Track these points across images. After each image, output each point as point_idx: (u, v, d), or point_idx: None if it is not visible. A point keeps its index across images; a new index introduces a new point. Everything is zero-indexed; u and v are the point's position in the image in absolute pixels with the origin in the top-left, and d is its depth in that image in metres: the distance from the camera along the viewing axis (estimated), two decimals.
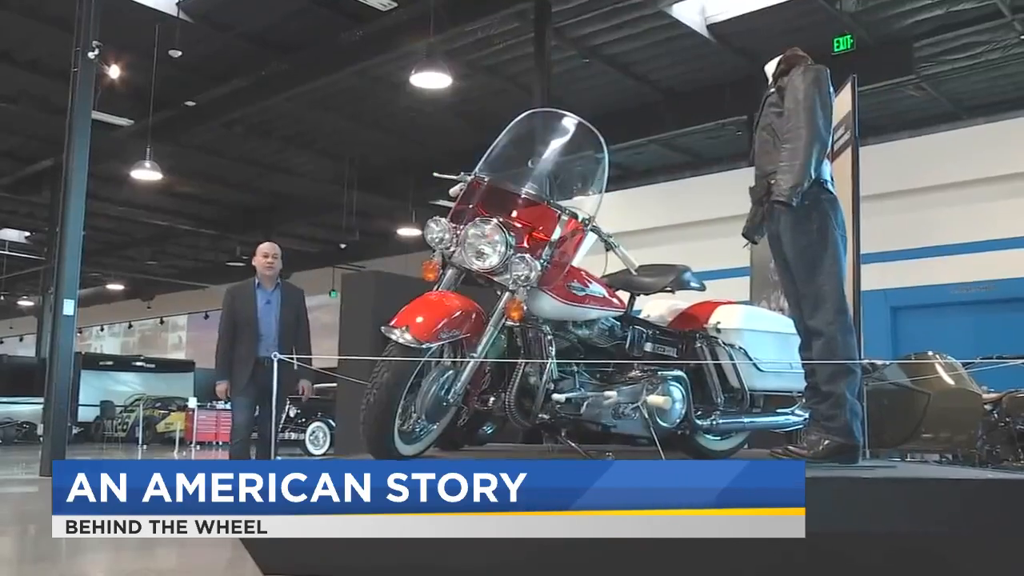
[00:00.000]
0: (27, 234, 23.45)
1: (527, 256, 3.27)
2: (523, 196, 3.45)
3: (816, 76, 3.53)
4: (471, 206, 3.45)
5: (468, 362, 3.28)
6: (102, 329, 32.82)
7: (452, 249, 3.40)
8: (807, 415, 3.93)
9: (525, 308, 3.28)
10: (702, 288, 4.01)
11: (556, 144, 3.58)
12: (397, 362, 3.08)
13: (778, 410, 4.17)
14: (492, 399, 3.47)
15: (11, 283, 27.22)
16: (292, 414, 14.04)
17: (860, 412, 3.60)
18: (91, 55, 6.71)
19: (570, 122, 3.60)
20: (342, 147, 17.04)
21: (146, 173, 13.72)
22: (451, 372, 3.32)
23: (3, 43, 12.54)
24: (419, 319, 3.13)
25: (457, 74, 11.80)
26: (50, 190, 17.33)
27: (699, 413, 3.88)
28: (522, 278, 3.26)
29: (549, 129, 3.63)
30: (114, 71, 10.24)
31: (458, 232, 3.38)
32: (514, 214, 3.45)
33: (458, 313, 3.22)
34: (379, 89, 14.28)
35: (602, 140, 3.49)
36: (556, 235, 3.34)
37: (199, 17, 12.02)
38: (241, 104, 14.52)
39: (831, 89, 3.58)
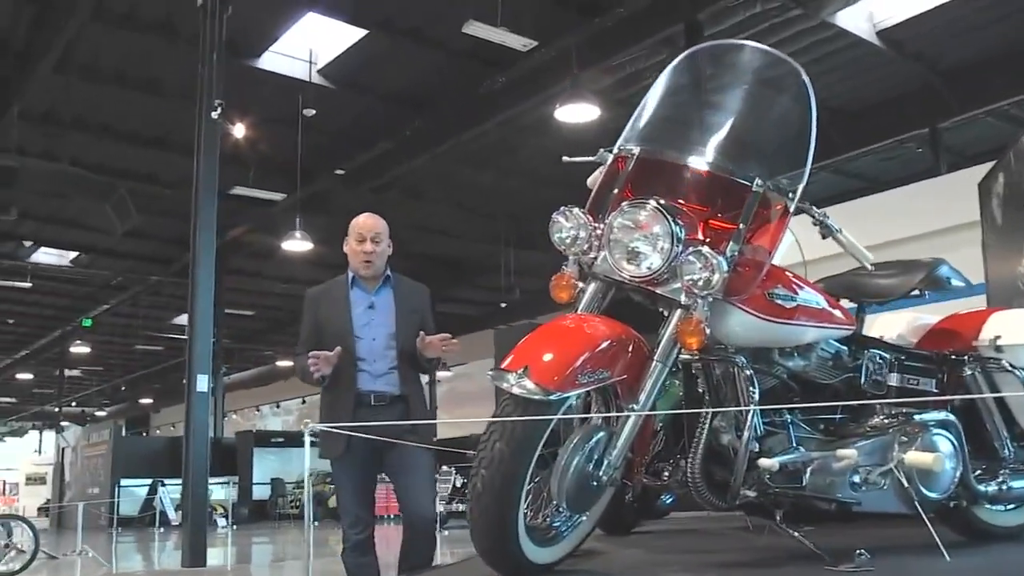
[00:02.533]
0: None
1: (705, 251, 2.19)
2: (692, 167, 2.38)
3: None
4: (616, 191, 2.41)
5: (626, 418, 2.21)
6: (277, 406, 33.93)
7: (593, 254, 2.37)
8: None
9: (708, 331, 2.19)
10: (968, 285, 2.76)
11: (735, 91, 2.50)
12: (515, 424, 2.05)
13: None
14: (667, 471, 2.38)
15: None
16: (460, 483, 13.04)
17: None
18: (214, 115, 6.28)
19: (753, 56, 2.51)
20: (494, 203, 16.54)
21: (297, 244, 13.68)
22: (602, 435, 2.25)
23: (163, 130, 12.90)
24: (546, 356, 2.12)
25: (606, 107, 10.89)
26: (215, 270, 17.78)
27: (979, 473, 2.65)
28: (700, 284, 2.18)
29: (722, 70, 2.57)
30: (239, 129, 10.08)
31: (599, 228, 2.36)
32: (681, 195, 2.37)
33: (606, 345, 2.18)
34: (526, 137, 13.64)
35: (804, 76, 2.37)
36: (747, 219, 2.24)
37: (338, 82, 11.86)
38: (389, 167, 14.31)
39: None
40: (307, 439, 2.34)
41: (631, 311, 2.43)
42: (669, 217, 2.21)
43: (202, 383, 6.98)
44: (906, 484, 2.39)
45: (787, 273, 2.44)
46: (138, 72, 11.21)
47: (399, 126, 13.03)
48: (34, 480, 28.68)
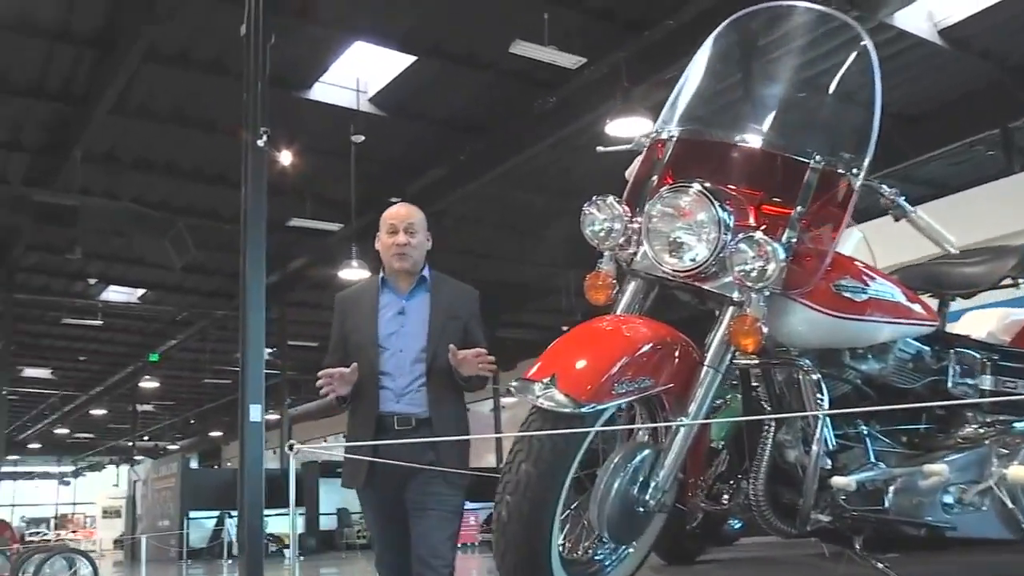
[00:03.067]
0: (269, 350, 24.79)
1: (759, 237, 1.92)
2: (739, 146, 2.12)
3: None
4: (655, 179, 2.16)
5: (675, 432, 1.94)
6: (344, 436, 34.10)
7: (631, 249, 2.12)
8: None
9: (765, 330, 1.91)
10: None
11: (786, 58, 2.25)
12: (543, 442, 1.80)
13: None
14: (728, 493, 2.09)
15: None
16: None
17: None
18: (260, 143, 6.22)
19: (805, 17, 2.24)
20: (551, 224, 16.32)
21: (354, 272, 13.69)
22: (647, 453, 1.99)
23: (221, 166, 13.08)
24: (578, 363, 1.87)
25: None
26: (277, 304, 17.98)
27: None
28: (753, 276, 1.91)
29: (770, 35, 2.32)
30: (286, 156, 10.10)
31: (637, 220, 2.10)
32: (729, 178, 2.11)
33: (647, 349, 1.93)
34: (579, 157, 13.42)
35: (866, 38, 2.09)
36: (805, 201, 1.96)
37: (389, 110, 11.85)
38: (443, 194, 14.25)
39: None
40: (292, 463, 2.12)
41: (676, 312, 2.16)
42: (715, 202, 1.95)
43: (255, 413, 6.89)
44: (1009, 504, 2.06)
45: (855, 262, 2.15)
46: (194, 110, 11.38)
47: (452, 151, 12.96)
48: (110, 513, 29.28)
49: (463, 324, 3.10)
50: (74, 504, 41.25)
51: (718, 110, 2.23)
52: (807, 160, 2.02)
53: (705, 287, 2.07)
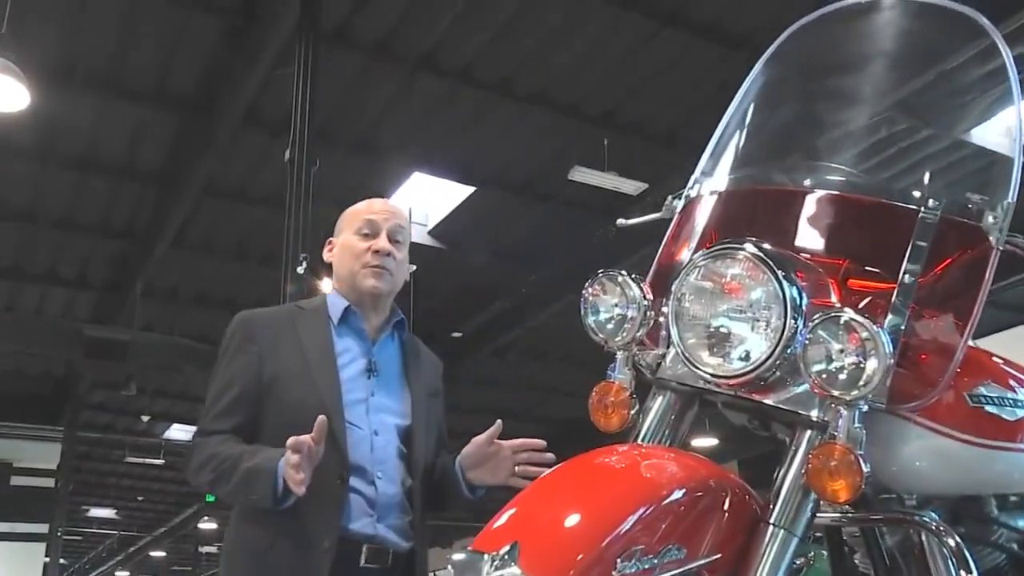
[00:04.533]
0: None
1: (849, 317, 1.27)
2: (813, 193, 1.50)
3: None
4: (689, 250, 1.56)
5: None
6: None
7: (659, 350, 1.50)
8: None
9: (867, 468, 1.24)
10: None
11: (879, 70, 1.63)
12: None
13: None
14: None
15: None
16: None
17: None
18: (299, 270, 5.90)
19: (910, 12, 1.63)
20: None
21: None
22: None
23: (279, 300, 12.95)
24: (560, 522, 1.18)
25: None
26: None
27: None
28: (843, 379, 1.26)
29: (854, 41, 1.69)
30: (326, 284, 9.80)
31: (664, 309, 1.49)
32: (797, 239, 1.49)
33: (678, 498, 1.24)
34: None
35: (997, 37, 1.47)
36: (917, 266, 1.32)
37: (448, 242, 11.64)
38: (507, 328, 13.81)
39: None
40: None
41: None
42: (778, 269, 1.32)
43: None
44: None
45: (994, 358, 1.47)
46: (253, 244, 11.34)
47: (515, 284, 12.59)
48: None
49: (440, 404, 2.20)
50: None
51: (779, 149, 1.64)
52: (916, 207, 1.38)
53: (767, 402, 1.38)
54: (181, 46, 7.80)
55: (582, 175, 9.54)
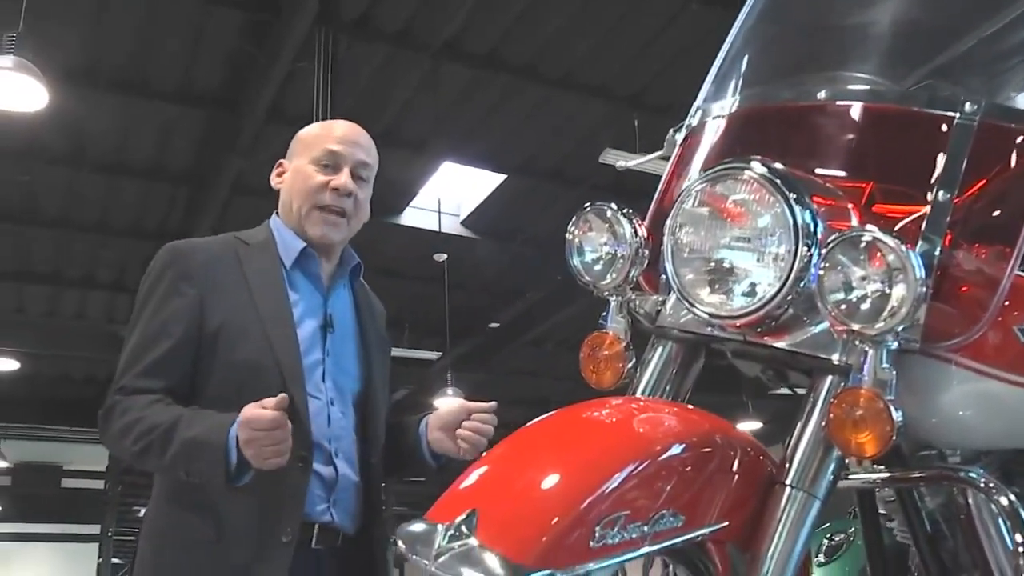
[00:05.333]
0: None
1: (873, 236, 1.08)
2: (833, 106, 1.29)
3: None
4: (693, 176, 1.39)
5: None
6: None
7: (658, 296, 1.34)
8: None
9: (898, 419, 1.06)
10: None
11: None
12: None
13: None
14: None
15: None
16: None
17: None
18: None
19: None
20: None
21: (450, 401, 13.10)
22: None
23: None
24: (531, 485, 1.00)
25: None
26: None
27: None
28: (867, 311, 1.07)
29: None
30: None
31: (661, 249, 1.32)
32: (813, 159, 1.29)
33: (678, 455, 1.06)
34: None
35: None
36: (953, 181, 1.13)
37: (481, 231, 11.52)
38: (543, 318, 13.63)
39: None
40: None
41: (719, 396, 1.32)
42: (789, 191, 1.14)
43: None
44: None
45: None
46: None
47: (550, 272, 12.41)
48: None
49: (388, 358, 1.94)
50: None
51: (791, 63, 1.44)
52: (953, 113, 1.16)
53: (779, 345, 1.20)
54: (203, 42, 7.76)
55: (613, 157, 9.35)
